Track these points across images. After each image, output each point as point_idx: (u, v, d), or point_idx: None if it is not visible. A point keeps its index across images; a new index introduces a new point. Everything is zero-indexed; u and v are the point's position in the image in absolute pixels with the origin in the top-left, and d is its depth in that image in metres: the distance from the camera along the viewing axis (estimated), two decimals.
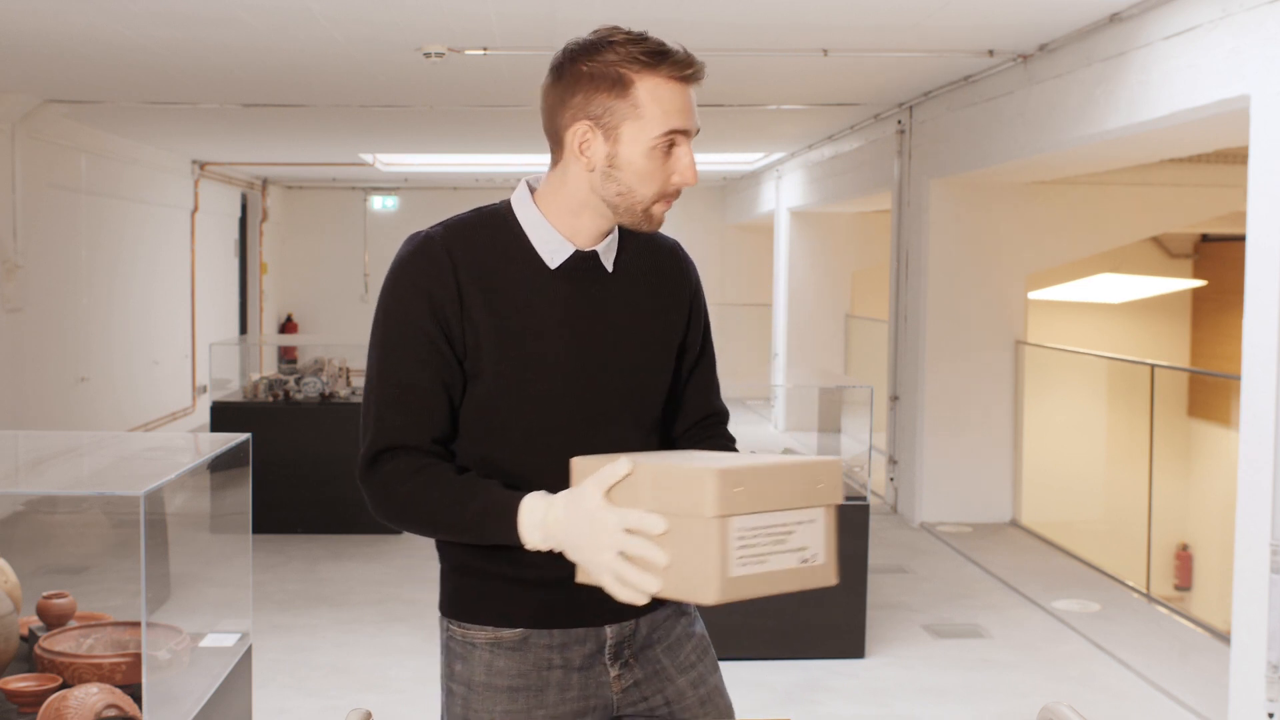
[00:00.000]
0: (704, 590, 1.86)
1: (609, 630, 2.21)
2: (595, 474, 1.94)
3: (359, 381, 9.17)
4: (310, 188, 18.31)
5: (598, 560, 1.94)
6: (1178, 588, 7.46)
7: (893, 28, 6.62)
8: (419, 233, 2.16)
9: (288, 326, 17.97)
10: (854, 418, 9.08)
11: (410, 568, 7.80)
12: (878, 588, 7.05)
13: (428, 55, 7.13)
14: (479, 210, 2.21)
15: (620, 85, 2.06)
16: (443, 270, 2.11)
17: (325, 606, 6.95)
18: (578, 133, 2.09)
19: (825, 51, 7.09)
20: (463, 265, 2.12)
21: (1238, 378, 4.94)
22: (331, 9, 6.19)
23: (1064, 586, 7.38)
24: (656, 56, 2.06)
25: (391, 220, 18.31)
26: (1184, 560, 7.65)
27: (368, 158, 13.93)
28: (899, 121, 9.59)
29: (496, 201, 2.23)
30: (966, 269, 9.17)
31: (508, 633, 2.18)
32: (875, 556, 7.13)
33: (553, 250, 2.16)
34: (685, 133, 2.10)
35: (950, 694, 5.59)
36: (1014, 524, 9.06)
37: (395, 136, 11.96)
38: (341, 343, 10.66)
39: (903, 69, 7.92)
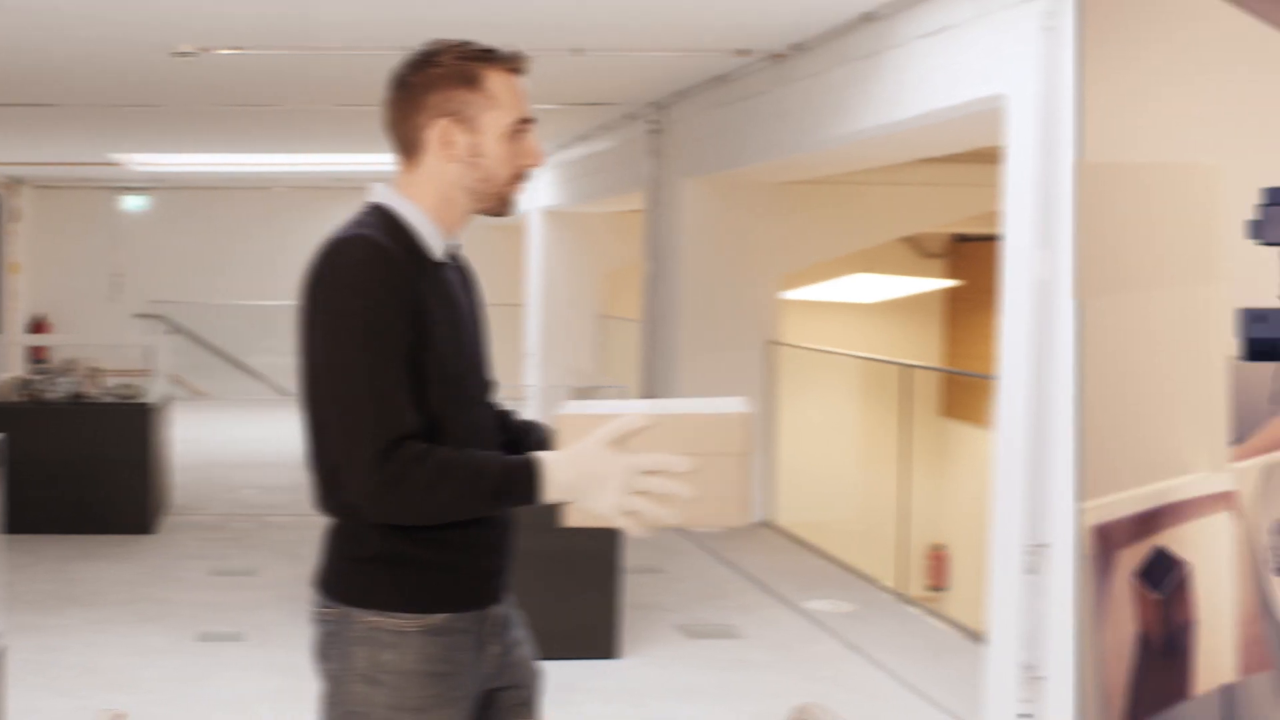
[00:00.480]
0: (733, 516, 2.19)
1: (498, 609, 2.37)
2: (607, 427, 2.16)
3: (113, 381, 9.01)
4: (62, 187, 17.72)
5: (613, 501, 2.15)
6: (932, 588, 7.57)
7: (645, 27, 6.56)
8: (357, 237, 2.24)
9: (41, 326, 17.46)
10: None
11: (162, 567, 7.64)
12: (631, 588, 6.96)
13: (179, 54, 6.89)
14: (369, 214, 2.31)
15: (474, 81, 2.29)
16: (400, 271, 2.22)
17: (76, 607, 6.78)
18: (439, 130, 2.28)
19: (577, 51, 7.00)
20: (408, 264, 2.24)
21: (991, 377, 4.96)
22: (81, 7, 5.97)
23: (818, 587, 7.39)
24: (494, 54, 2.32)
25: (144, 221, 17.72)
26: (938, 560, 7.78)
27: (119, 157, 13.51)
28: (652, 121, 9.52)
29: (365, 208, 2.33)
30: (720, 268, 9.12)
31: (437, 618, 2.27)
32: (628, 556, 7.04)
33: (435, 244, 2.32)
34: (530, 119, 2.34)
35: (705, 694, 5.56)
36: (768, 524, 9.06)
37: (147, 136, 11.67)
38: (93, 343, 10.35)
39: (655, 68, 7.84)
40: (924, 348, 14.29)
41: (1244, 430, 2.86)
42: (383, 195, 2.33)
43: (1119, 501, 2.07)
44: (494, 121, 2.29)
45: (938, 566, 7.84)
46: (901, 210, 9.79)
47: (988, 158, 5.71)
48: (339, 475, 2.19)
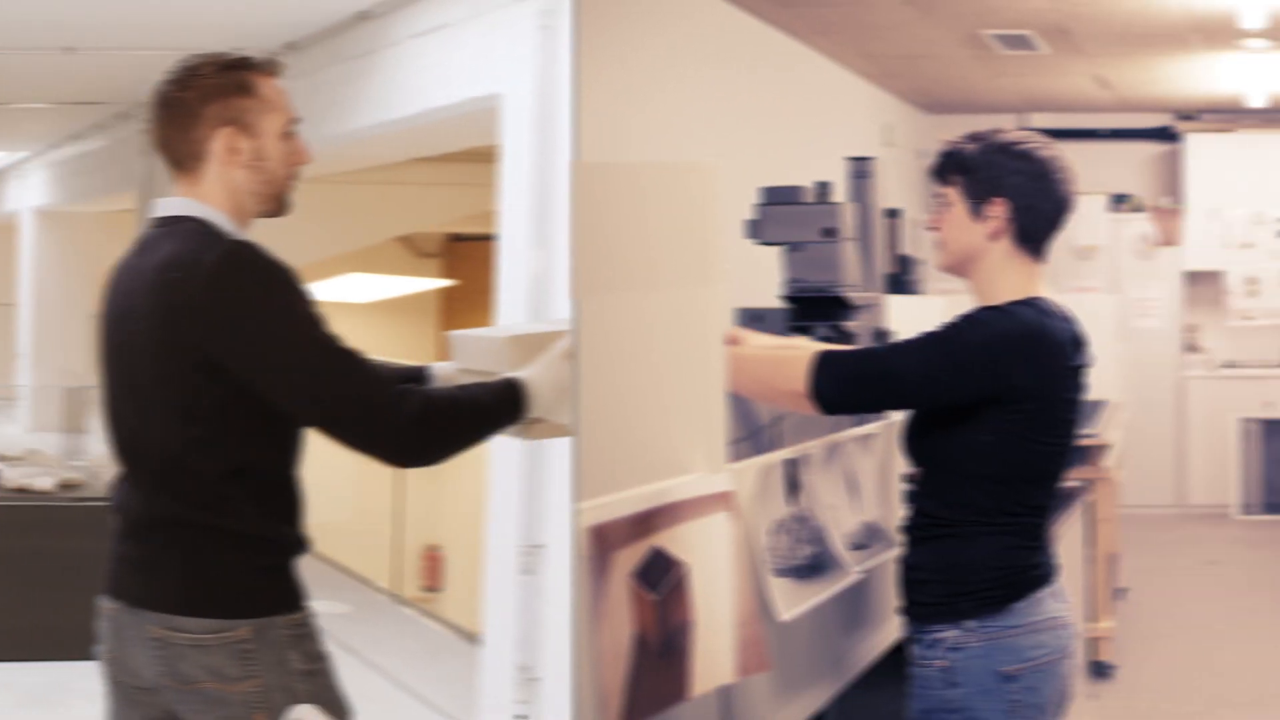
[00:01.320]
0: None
1: None
2: (561, 343, 2.39)
3: None
4: None
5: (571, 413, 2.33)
6: (428, 589, 7.56)
7: (139, 25, 6.46)
8: (246, 243, 2.35)
9: None
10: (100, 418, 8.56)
11: None
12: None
13: None
14: (198, 226, 2.38)
15: (248, 88, 2.42)
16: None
17: None
18: (223, 138, 2.39)
19: (69, 50, 6.84)
20: None
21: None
22: None
23: (312, 588, 7.21)
24: (255, 61, 2.46)
25: None
26: (433, 561, 7.76)
27: None
28: (145, 120, 9.13)
29: (183, 222, 2.39)
30: None
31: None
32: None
33: None
34: (298, 119, 2.52)
35: None
36: None
37: None
38: None
39: (148, 67, 7.52)
40: (419, 348, 14.29)
41: (743, 431, 2.93)
42: (186, 208, 2.41)
43: (616, 502, 2.05)
44: (271, 124, 2.43)
45: (433, 568, 7.83)
46: (397, 210, 9.77)
47: (484, 157, 5.74)
48: (367, 432, 2.30)
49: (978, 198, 2.69)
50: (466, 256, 13.99)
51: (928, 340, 2.66)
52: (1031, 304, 2.67)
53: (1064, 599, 2.78)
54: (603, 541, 2.01)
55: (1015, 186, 2.68)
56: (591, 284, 2.17)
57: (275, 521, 2.38)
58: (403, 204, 9.65)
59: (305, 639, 2.38)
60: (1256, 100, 10.46)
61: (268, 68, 2.48)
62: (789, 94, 7.94)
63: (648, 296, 2.26)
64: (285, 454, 2.41)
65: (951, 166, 2.74)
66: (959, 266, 2.77)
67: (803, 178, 3.49)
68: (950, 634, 2.65)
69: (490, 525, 4.79)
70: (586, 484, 2.06)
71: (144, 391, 2.34)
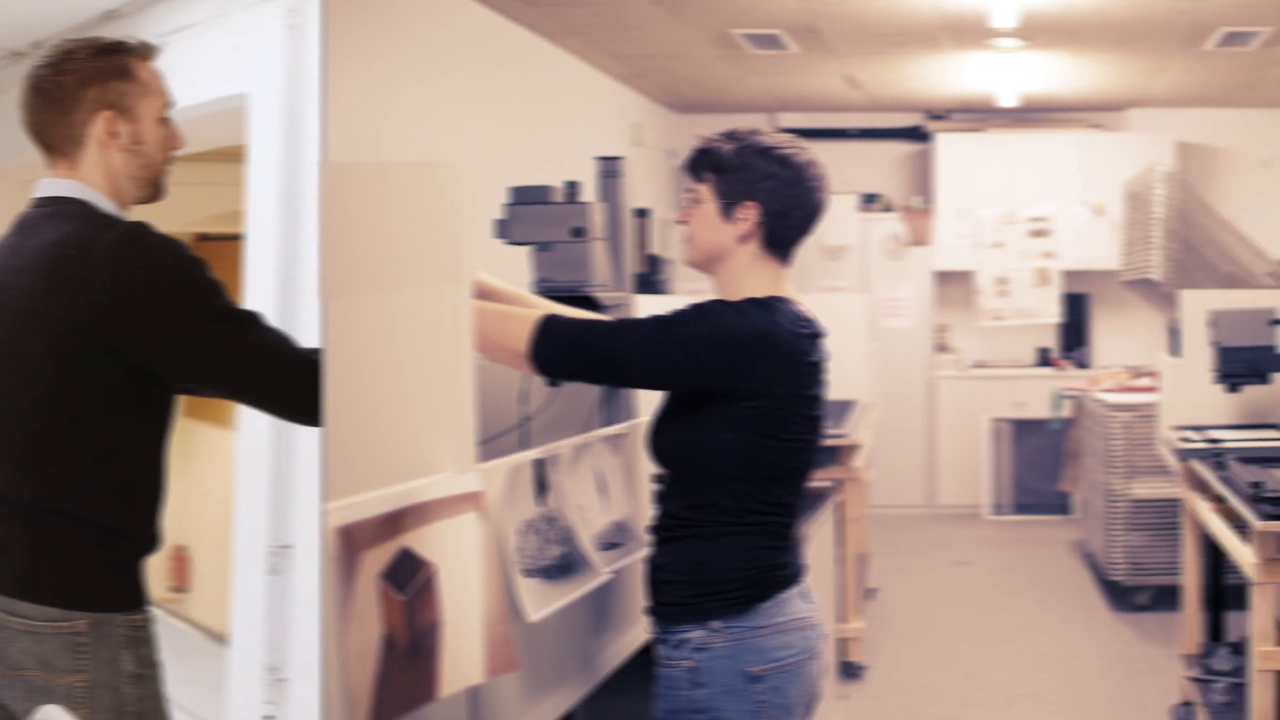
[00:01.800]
0: None
1: None
2: None
3: None
4: None
5: None
6: (175, 589, 7.42)
7: None
8: (142, 223, 2.49)
9: None
10: None
11: None
12: None
13: None
14: (88, 211, 2.46)
15: (127, 72, 2.49)
16: None
17: None
18: (102, 122, 2.46)
19: None
20: None
21: None
22: None
23: None
24: (131, 45, 2.52)
25: None
26: (180, 561, 7.61)
27: None
28: None
29: (65, 203, 2.47)
30: None
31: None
32: None
33: None
34: (172, 103, 2.61)
35: None
36: None
37: None
38: None
39: None
40: None
41: (492, 430, 3.00)
42: (70, 190, 2.47)
43: (364, 503, 2.11)
44: (149, 108, 2.52)
45: (180, 568, 7.68)
46: (143, 209, 9.50)
47: (232, 156, 5.70)
48: (284, 394, 2.45)
49: (730, 199, 2.79)
50: (215, 256, 13.62)
51: (653, 322, 2.74)
52: (766, 303, 2.77)
53: (812, 599, 2.89)
54: (351, 542, 2.06)
55: (769, 191, 2.78)
56: (339, 284, 2.23)
57: (131, 514, 2.41)
58: (150, 204, 9.40)
59: (142, 642, 2.42)
60: (1007, 100, 10.81)
61: (144, 51, 2.54)
62: (539, 94, 8.07)
63: (395, 296, 2.33)
64: (156, 440, 2.47)
65: (706, 164, 2.82)
66: (705, 264, 2.87)
67: (552, 177, 3.54)
68: (696, 634, 2.74)
69: (238, 525, 4.76)
70: (335, 484, 2.12)
71: (18, 369, 2.34)
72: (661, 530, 2.86)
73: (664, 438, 2.85)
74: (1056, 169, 11.20)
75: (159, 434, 2.49)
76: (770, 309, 2.77)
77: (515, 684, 2.70)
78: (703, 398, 2.76)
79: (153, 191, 2.63)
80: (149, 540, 2.47)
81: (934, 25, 8.04)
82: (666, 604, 2.83)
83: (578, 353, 2.73)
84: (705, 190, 2.83)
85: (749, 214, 2.80)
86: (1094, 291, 11.58)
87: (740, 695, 2.74)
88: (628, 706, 3.48)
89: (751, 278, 2.83)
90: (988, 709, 6.30)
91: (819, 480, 5.61)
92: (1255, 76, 9.60)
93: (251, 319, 2.50)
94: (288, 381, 2.42)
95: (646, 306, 4.07)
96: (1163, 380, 6.84)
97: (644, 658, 3.47)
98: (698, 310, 2.75)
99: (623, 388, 2.93)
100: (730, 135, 2.84)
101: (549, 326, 2.70)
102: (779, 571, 2.82)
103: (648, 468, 3.32)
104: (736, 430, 2.73)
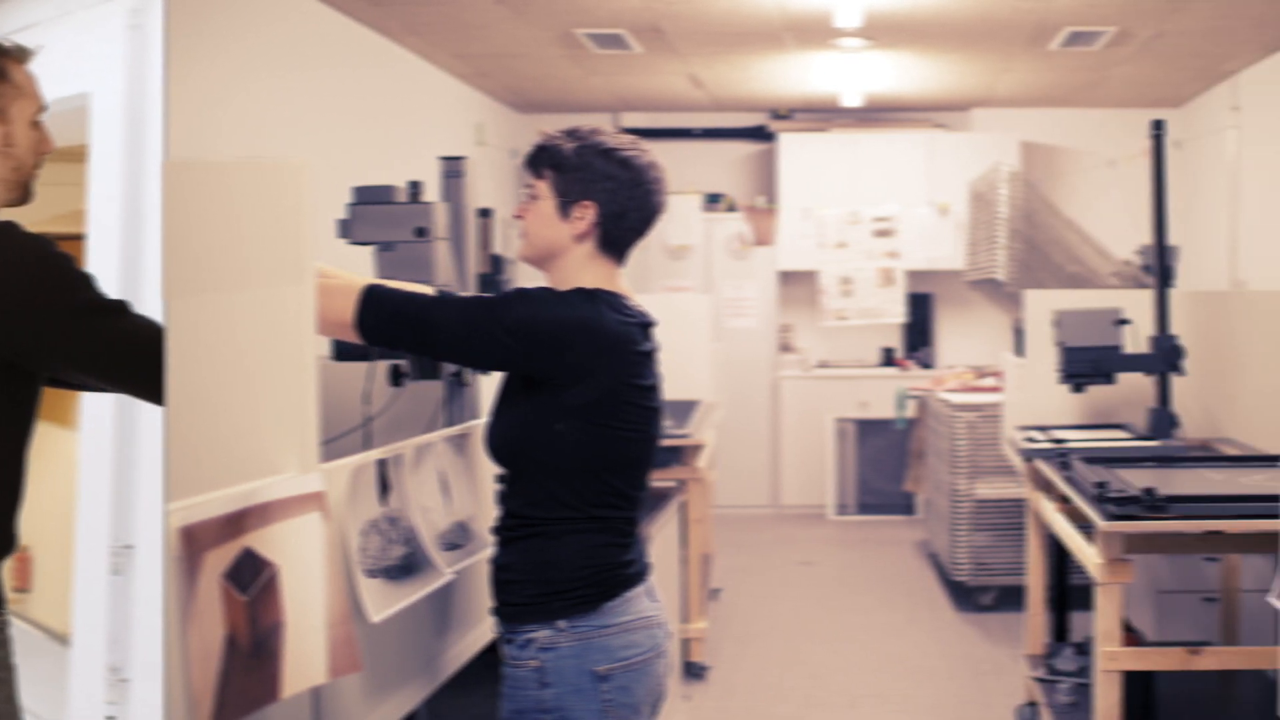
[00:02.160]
0: None
1: None
2: None
3: None
4: None
5: None
6: (17, 590, 7.28)
7: None
8: (10, 222, 2.55)
9: None
10: None
11: None
12: None
13: None
14: None
15: (2, 74, 2.53)
16: None
17: None
18: None
19: None
20: None
21: None
22: None
23: None
24: (7, 48, 2.54)
25: None
26: (22, 562, 7.50)
27: None
28: None
29: None
30: None
31: None
32: None
33: None
34: (45, 107, 2.63)
35: None
36: None
37: None
38: None
39: None
40: None
41: (335, 430, 3.06)
42: None
43: (207, 503, 2.15)
44: (22, 110, 2.55)
45: (22, 568, 7.56)
46: None
47: (75, 156, 5.66)
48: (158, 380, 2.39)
49: (568, 197, 2.86)
50: None
51: (475, 302, 2.82)
52: (592, 293, 2.85)
53: (657, 598, 2.97)
54: (193, 542, 2.10)
55: (607, 192, 2.86)
56: (182, 284, 2.28)
57: None
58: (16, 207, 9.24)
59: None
60: (851, 99, 10.99)
61: (19, 54, 2.56)
62: (382, 93, 8.09)
63: (238, 297, 2.38)
64: (18, 439, 2.51)
65: (546, 161, 2.89)
66: (540, 260, 2.94)
67: (395, 177, 3.59)
68: (542, 634, 2.81)
69: (80, 525, 4.74)
70: (177, 484, 2.16)
71: None
72: (504, 530, 2.92)
73: (498, 433, 2.91)
74: (901, 169, 11.36)
75: (22, 433, 2.51)
76: (595, 298, 2.85)
77: (358, 684, 2.75)
78: (532, 389, 2.83)
79: (21, 195, 2.65)
80: (5, 541, 2.47)
81: (778, 25, 8.16)
82: (512, 604, 2.89)
83: (398, 323, 2.79)
84: (544, 187, 2.90)
85: (586, 213, 2.87)
86: (939, 291, 11.79)
87: (587, 695, 2.81)
88: (471, 707, 3.55)
89: (585, 276, 2.90)
90: (831, 709, 6.38)
91: (662, 480, 5.71)
92: (1099, 76, 9.85)
93: (122, 308, 2.55)
94: (162, 368, 2.45)
95: None
96: (1007, 380, 6.97)
97: (487, 658, 3.53)
98: (521, 294, 2.83)
99: (438, 359, 2.98)
100: (572, 134, 2.91)
101: (372, 295, 2.78)
102: (624, 570, 2.89)
103: (490, 468, 3.38)
104: (567, 420, 2.80)
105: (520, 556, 2.88)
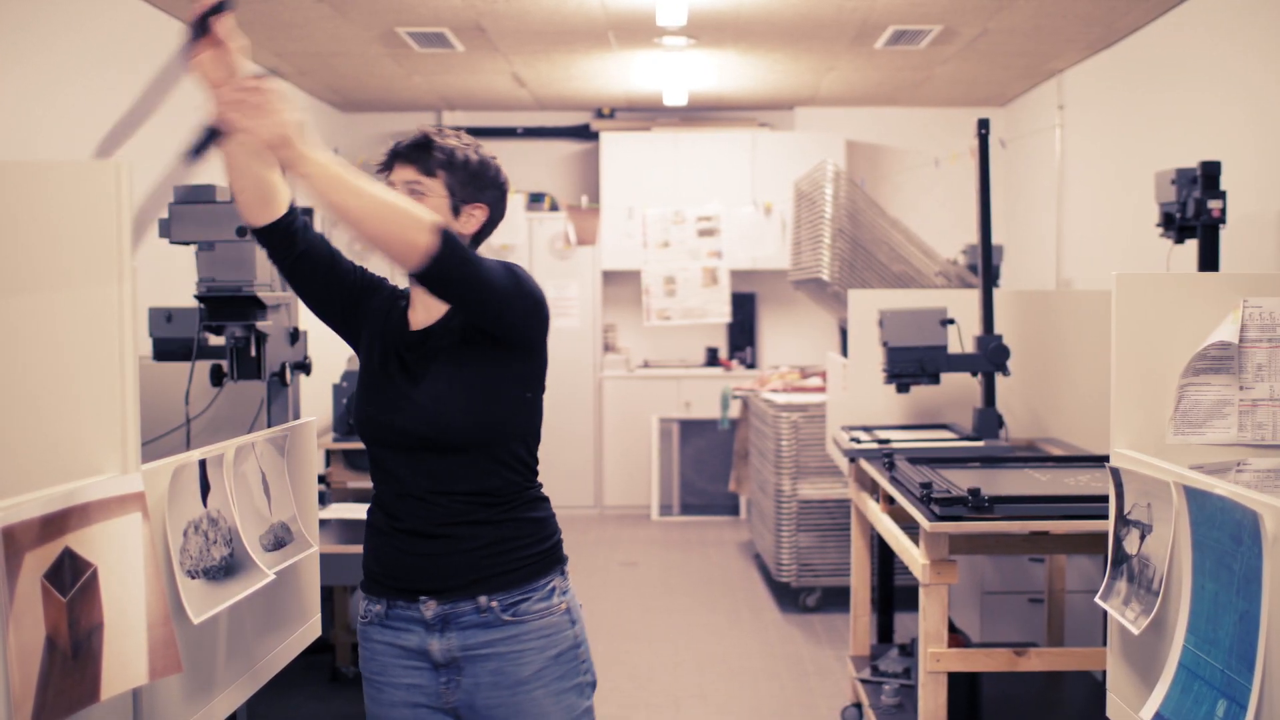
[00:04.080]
0: None
1: None
2: None
3: None
4: None
5: None
6: None
7: None
8: None
9: None
10: None
11: None
12: None
13: None
14: None
15: None
16: None
17: None
18: None
19: None
20: None
21: None
22: None
23: None
24: None
25: None
26: None
27: None
28: None
29: None
30: None
31: None
32: None
33: None
34: None
35: None
36: None
37: None
38: None
39: None
40: None
41: (157, 431, 3.08)
42: None
43: (26, 503, 2.16)
44: None
45: None
46: None
47: None
48: None
49: (463, 198, 3.00)
50: None
51: (501, 265, 2.89)
52: None
53: None
54: (13, 543, 2.11)
55: (494, 198, 3.04)
56: (0, 285, 2.31)
57: None
58: None
59: None
60: (675, 98, 11.09)
61: None
62: (202, 91, 8.01)
63: (56, 296, 2.41)
64: None
65: (441, 162, 2.97)
66: None
67: (216, 177, 3.59)
68: (558, 580, 3.02)
69: None
70: None
71: None
72: (494, 510, 2.97)
73: (464, 409, 2.93)
74: (725, 168, 11.47)
75: None
76: None
77: (179, 685, 2.78)
78: (487, 362, 2.93)
79: None
80: None
81: (601, 23, 8.21)
82: (523, 564, 2.99)
83: (468, 269, 2.77)
84: (435, 185, 2.98)
85: (476, 214, 3.02)
86: (763, 291, 11.95)
87: (584, 625, 3.09)
88: (292, 709, 3.57)
89: None
90: (654, 710, 6.43)
91: None
92: (924, 75, 10.02)
93: None
94: None
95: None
96: (832, 380, 7.05)
97: (306, 659, 3.56)
98: (514, 267, 2.93)
99: (472, 313, 2.86)
100: (458, 135, 3.04)
101: (450, 234, 2.73)
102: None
103: (311, 469, 3.41)
104: (534, 389, 3.00)
105: (516, 526, 3.00)
